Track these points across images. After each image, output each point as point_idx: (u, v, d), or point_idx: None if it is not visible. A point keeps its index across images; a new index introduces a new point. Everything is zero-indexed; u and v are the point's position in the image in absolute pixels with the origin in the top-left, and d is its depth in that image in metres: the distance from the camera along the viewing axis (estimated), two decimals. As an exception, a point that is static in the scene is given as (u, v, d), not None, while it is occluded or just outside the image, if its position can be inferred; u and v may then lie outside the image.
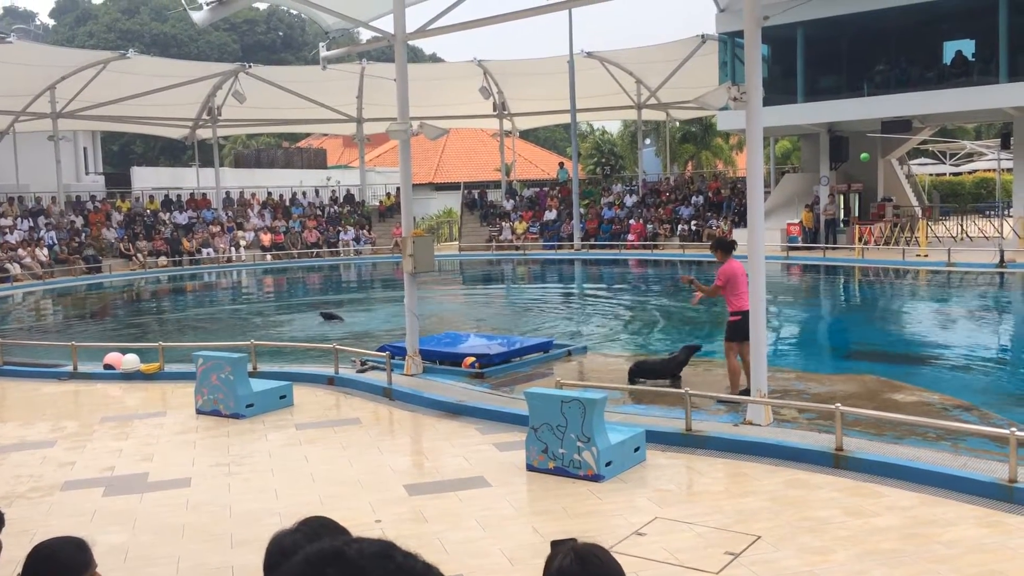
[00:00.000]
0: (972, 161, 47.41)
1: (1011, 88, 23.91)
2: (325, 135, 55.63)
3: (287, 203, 37.91)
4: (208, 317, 20.55)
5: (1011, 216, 27.98)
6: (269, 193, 38.48)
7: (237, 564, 5.74)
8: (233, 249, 33.49)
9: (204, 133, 37.91)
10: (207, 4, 10.29)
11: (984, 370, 12.09)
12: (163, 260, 31.52)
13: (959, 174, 50.71)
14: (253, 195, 37.91)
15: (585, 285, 25.84)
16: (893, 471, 6.88)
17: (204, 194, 37.13)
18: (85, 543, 2.24)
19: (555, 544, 2.13)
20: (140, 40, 56.48)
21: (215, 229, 34.15)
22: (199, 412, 9.94)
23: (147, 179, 40.58)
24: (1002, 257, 22.32)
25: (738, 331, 9.43)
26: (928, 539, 5.68)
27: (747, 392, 9.38)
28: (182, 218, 34.53)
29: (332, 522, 2.01)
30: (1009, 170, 32.44)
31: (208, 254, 32.75)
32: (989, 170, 47.78)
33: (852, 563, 5.37)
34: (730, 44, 28.73)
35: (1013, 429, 6.53)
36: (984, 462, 6.90)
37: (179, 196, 36.47)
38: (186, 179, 40.05)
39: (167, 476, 7.72)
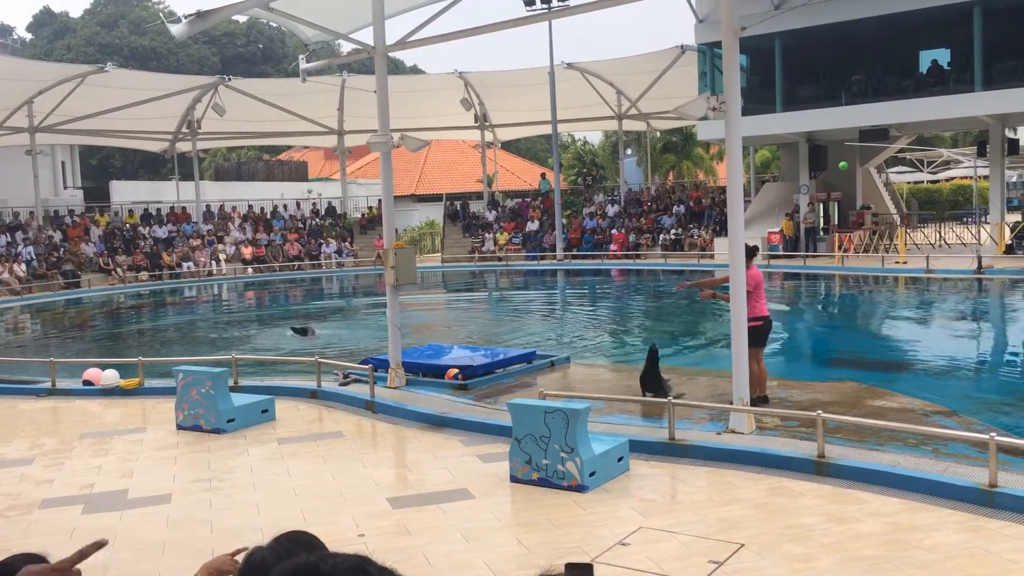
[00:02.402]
0: (949, 169, 47.96)
1: (986, 96, 24.20)
2: (306, 147, 55.54)
3: (268, 216, 37.77)
4: (189, 332, 20.41)
5: (988, 223, 28.29)
6: (250, 206, 38.31)
7: (218, 581, 5.68)
8: (214, 263, 33.29)
9: (184, 146, 37.73)
10: (185, 17, 10.24)
11: (964, 376, 12.19)
12: (143, 275, 31.29)
13: (936, 182, 51.27)
14: (234, 208, 37.73)
15: (568, 295, 25.87)
16: (875, 477, 6.91)
17: (184, 208, 36.93)
18: (45, 559, 2.20)
19: (568, 567, 2.04)
20: (119, 53, 56.22)
21: (195, 243, 33.95)
22: (180, 427, 9.85)
23: (126, 193, 40.31)
24: (980, 263, 22.56)
25: (755, 337, 9.29)
26: (910, 545, 5.71)
27: (763, 400, 9.41)
28: (162, 232, 34.31)
29: (308, 537, 1.99)
30: (985, 177, 32.82)
31: (188, 268, 32.55)
32: (966, 178, 48.37)
33: (835, 570, 5.39)
34: (709, 55, 28.94)
35: (993, 434, 6.59)
36: (965, 467, 6.95)
37: (159, 210, 36.25)
38: (166, 193, 39.83)
39: (147, 492, 7.64)
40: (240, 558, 2.36)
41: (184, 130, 36.52)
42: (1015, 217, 30.73)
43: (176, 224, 35.20)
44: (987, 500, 6.33)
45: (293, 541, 1.92)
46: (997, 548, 5.60)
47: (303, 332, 17.41)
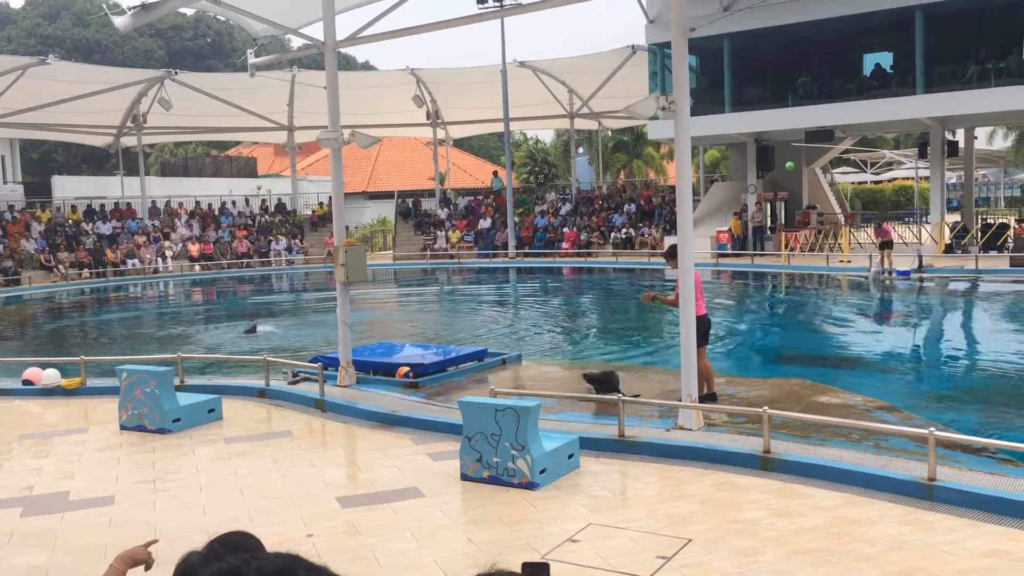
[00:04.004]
0: (891, 170, 49.08)
1: (927, 99, 24.83)
2: (256, 143, 54.76)
3: (216, 213, 37.17)
4: (133, 330, 20.01)
5: (928, 223, 29.01)
6: (197, 203, 37.68)
7: (163, 583, 5.58)
8: (160, 260, 32.69)
9: (129, 141, 36.97)
10: (130, 9, 10.03)
11: (905, 372, 12.48)
12: (86, 272, 30.59)
13: (879, 182, 52.46)
14: (181, 204, 37.08)
15: (520, 293, 25.91)
16: (818, 472, 7.04)
17: (129, 204, 36.19)
18: None
19: (525, 566, 2.02)
20: (62, 46, 54.91)
21: (140, 239, 33.30)
22: (123, 428, 9.65)
23: (69, 188, 39.30)
24: (920, 262, 23.14)
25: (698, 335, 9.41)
26: (852, 538, 5.83)
27: (710, 397, 9.50)
28: (106, 228, 33.58)
29: (243, 539, 1.95)
30: (926, 178, 33.65)
31: (134, 265, 31.91)
32: (908, 178, 49.56)
33: (780, 563, 5.48)
34: (660, 55, 29.21)
35: (932, 429, 6.75)
36: (905, 462, 7.11)
37: (103, 206, 35.46)
38: (110, 188, 38.97)
39: (89, 494, 7.47)
40: (152, 549, 2.39)
41: (129, 124, 35.79)
42: (954, 217, 31.53)
43: (121, 220, 34.49)
44: (926, 493, 6.49)
45: (225, 545, 1.87)
46: (935, 540, 5.75)
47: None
